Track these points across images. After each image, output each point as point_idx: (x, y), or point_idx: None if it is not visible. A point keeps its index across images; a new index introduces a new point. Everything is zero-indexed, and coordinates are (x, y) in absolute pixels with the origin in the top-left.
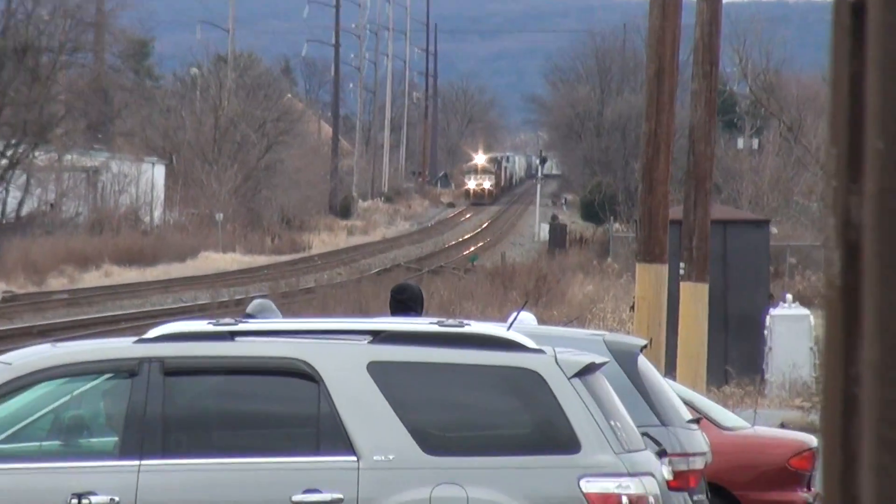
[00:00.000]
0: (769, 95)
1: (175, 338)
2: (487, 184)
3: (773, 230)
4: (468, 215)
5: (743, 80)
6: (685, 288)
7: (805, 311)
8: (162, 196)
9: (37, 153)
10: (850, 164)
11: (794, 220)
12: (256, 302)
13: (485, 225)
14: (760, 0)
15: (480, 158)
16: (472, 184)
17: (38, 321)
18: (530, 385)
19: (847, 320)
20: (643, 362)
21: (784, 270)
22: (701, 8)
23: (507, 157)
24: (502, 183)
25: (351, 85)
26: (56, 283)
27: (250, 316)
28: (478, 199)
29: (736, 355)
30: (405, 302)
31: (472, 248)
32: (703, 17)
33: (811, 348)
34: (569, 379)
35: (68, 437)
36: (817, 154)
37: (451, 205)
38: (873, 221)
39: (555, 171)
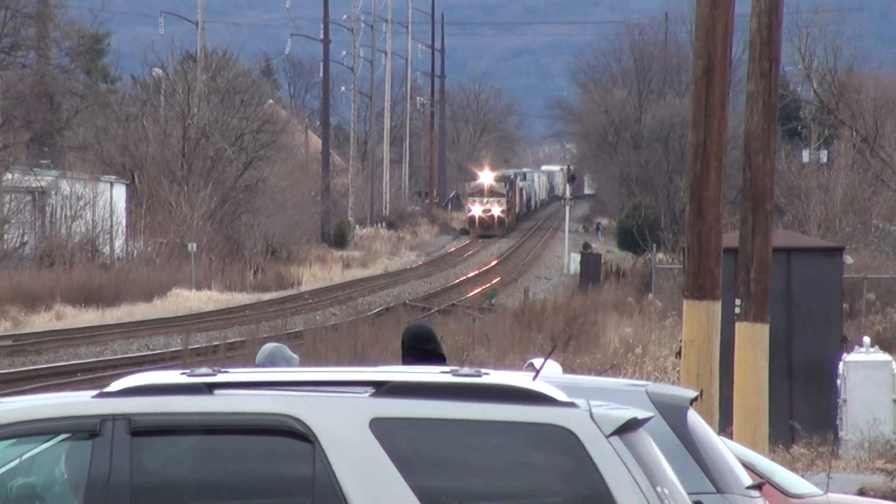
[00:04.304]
0: (838, 100)
1: (143, 391)
2: (497, 210)
3: (848, 260)
4: (478, 248)
5: (807, 81)
6: (742, 329)
7: (886, 356)
8: (123, 222)
9: None
10: None
11: (872, 247)
12: (268, 347)
13: (504, 255)
14: None
15: (487, 177)
16: (476, 210)
17: None
18: (561, 445)
19: None
20: (694, 418)
21: (860, 308)
22: None
23: (524, 175)
24: (517, 208)
25: (343, 88)
26: None
27: (262, 367)
28: (485, 231)
29: (803, 409)
30: (421, 347)
31: (490, 284)
32: (761, 5)
33: (894, 400)
34: (607, 437)
35: None
36: None
37: (464, 231)
38: None
39: (586, 191)
